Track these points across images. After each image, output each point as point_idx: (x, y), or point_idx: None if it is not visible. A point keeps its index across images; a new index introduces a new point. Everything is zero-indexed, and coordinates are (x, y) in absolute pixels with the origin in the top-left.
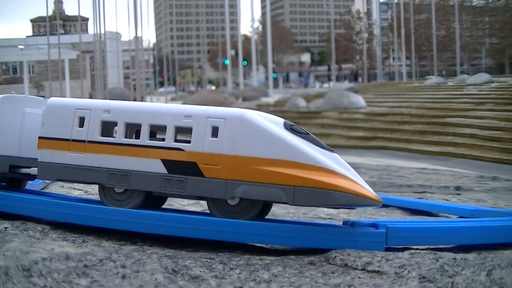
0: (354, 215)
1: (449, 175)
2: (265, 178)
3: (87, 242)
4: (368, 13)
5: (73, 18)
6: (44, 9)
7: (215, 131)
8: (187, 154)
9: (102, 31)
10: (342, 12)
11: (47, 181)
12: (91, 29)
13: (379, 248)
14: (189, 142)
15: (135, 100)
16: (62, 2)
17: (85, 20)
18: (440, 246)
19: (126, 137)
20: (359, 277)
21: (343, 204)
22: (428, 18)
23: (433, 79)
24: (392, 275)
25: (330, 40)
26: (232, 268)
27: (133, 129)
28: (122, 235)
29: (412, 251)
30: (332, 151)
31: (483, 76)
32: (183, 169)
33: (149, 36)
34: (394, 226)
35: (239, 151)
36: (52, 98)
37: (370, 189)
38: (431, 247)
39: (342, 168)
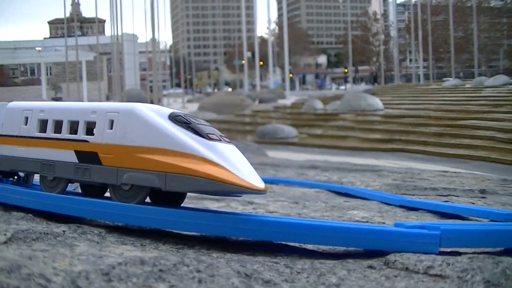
0: (399, 217)
1: (472, 178)
2: (145, 165)
3: (144, 246)
4: (385, 15)
5: (90, 20)
6: (61, 11)
7: (111, 124)
8: (91, 145)
9: (119, 33)
10: (359, 13)
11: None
12: (108, 31)
13: (432, 250)
14: (93, 134)
15: (152, 102)
16: (79, 4)
17: (102, 22)
18: (487, 250)
19: (54, 132)
20: (423, 281)
21: (212, 190)
22: (445, 20)
23: (450, 81)
24: (456, 279)
25: (347, 41)
26: (299, 272)
27: (59, 125)
28: (178, 238)
29: (470, 255)
30: (220, 140)
31: (501, 78)
32: (89, 159)
33: (165, 38)
34: (449, 228)
35: (128, 141)
36: (11, 102)
37: (250, 178)
38: (485, 250)
39: (218, 156)
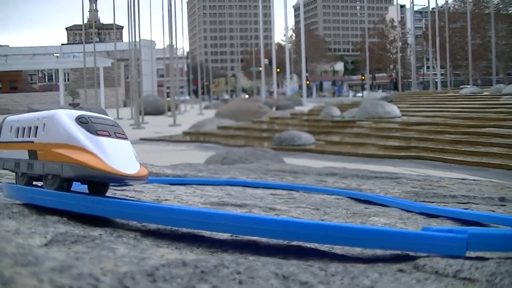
0: (421, 224)
1: (491, 185)
2: (54, 158)
3: (179, 249)
4: (402, 22)
5: (108, 27)
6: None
7: (43, 127)
8: (33, 145)
9: (137, 39)
10: (376, 20)
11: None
12: (125, 38)
13: (459, 254)
14: (36, 136)
15: (169, 108)
16: (97, 11)
17: (120, 28)
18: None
19: (20, 137)
20: (453, 284)
21: (82, 175)
22: (463, 27)
23: (468, 89)
24: (484, 283)
25: (364, 49)
26: (333, 275)
27: (23, 130)
28: (210, 242)
29: (497, 259)
30: (109, 136)
31: None
32: (33, 156)
33: (183, 44)
34: (476, 232)
35: (48, 139)
36: (9, 117)
37: (119, 165)
38: (510, 255)
39: (96, 147)
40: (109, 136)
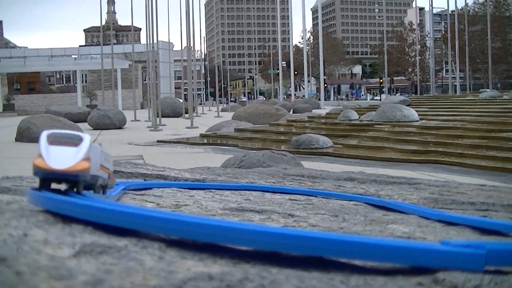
0: (439, 233)
1: (510, 192)
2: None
3: (203, 260)
4: (421, 25)
5: (126, 28)
6: (97, 19)
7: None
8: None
9: (155, 41)
10: (395, 23)
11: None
12: (143, 39)
13: (477, 269)
14: None
15: (186, 111)
16: (115, 13)
17: (138, 30)
18: None
19: None
20: None
21: (34, 173)
22: (483, 30)
23: (487, 92)
24: None
25: (382, 52)
26: None
27: None
28: (233, 253)
29: None
30: (60, 144)
31: None
32: None
33: (200, 47)
34: (494, 247)
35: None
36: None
37: (53, 162)
38: None
39: (46, 152)
40: (59, 144)
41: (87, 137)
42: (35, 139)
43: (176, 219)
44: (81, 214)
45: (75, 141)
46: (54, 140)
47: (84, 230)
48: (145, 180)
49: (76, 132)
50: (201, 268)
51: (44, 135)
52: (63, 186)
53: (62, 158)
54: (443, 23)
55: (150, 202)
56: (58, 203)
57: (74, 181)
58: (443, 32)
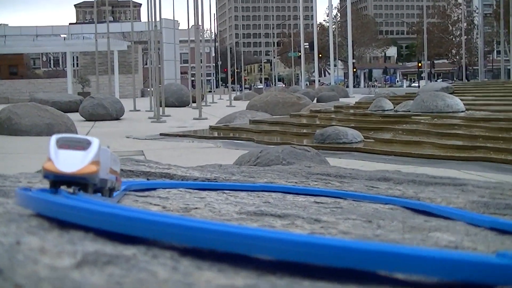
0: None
1: None
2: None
3: (223, 271)
4: None
5: (124, 4)
6: None
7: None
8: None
9: (157, 19)
10: None
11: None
12: (144, 17)
13: None
14: None
15: (194, 99)
16: None
17: (138, 6)
18: None
19: None
20: None
21: (44, 175)
22: None
23: None
24: None
25: (421, 31)
26: None
27: None
28: (254, 263)
29: None
30: (69, 148)
31: None
32: None
33: (210, 26)
34: None
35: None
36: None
37: (61, 166)
38: None
39: (55, 156)
40: (68, 148)
41: (95, 141)
42: (18, 131)
43: (191, 225)
44: (82, 219)
45: (84, 145)
46: (63, 144)
47: (84, 237)
48: (148, 179)
49: (85, 136)
50: (222, 280)
51: (53, 139)
52: (71, 190)
53: (70, 162)
54: None
55: (155, 204)
56: (53, 205)
57: (83, 184)
58: (495, 7)
